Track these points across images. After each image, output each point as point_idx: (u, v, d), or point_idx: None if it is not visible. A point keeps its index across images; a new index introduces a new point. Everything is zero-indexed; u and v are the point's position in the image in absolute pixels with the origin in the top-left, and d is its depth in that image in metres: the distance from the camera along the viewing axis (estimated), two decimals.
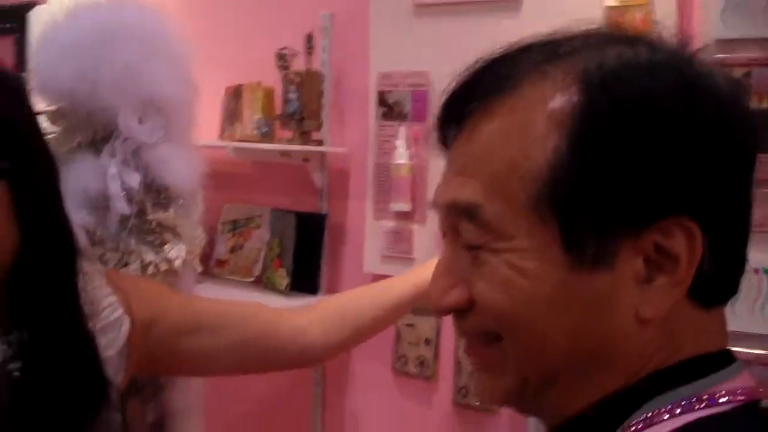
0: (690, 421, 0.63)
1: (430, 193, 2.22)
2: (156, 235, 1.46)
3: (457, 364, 2.26)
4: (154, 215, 1.46)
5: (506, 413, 2.19)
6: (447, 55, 2.12)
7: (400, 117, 2.30)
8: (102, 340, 1.18)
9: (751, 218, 0.68)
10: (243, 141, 2.47)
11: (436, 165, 2.22)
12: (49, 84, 1.42)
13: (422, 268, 1.56)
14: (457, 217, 0.68)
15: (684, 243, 0.63)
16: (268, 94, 2.51)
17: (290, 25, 2.49)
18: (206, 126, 2.67)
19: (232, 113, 2.55)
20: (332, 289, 2.50)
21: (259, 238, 2.64)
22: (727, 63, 1.80)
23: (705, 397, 0.64)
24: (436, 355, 2.32)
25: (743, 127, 0.67)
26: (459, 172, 0.69)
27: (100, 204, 1.42)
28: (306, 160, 2.46)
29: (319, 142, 2.42)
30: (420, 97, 2.27)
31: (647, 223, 0.63)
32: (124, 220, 1.44)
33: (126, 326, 1.22)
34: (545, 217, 0.64)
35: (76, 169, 1.41)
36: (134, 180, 1.43)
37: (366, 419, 2.50)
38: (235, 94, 2.55)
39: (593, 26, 0.70)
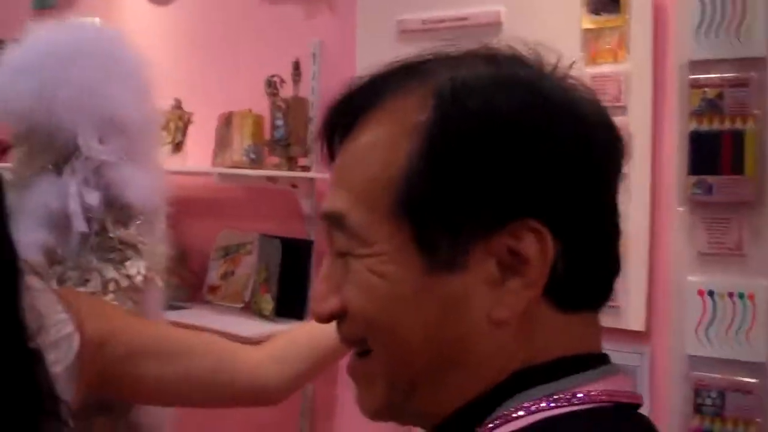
0: (540, 418, 0.64)
1: None
2: (117, 252, 1.44)
3: None
4: (115, 233, 1.44)
5: None
6: None
7: None
8: (50, 356, 1.16)
9: (616, 225, 0.70)
10: (233, 167, 2.49)
11: None
12: (7, 105, 1.41)
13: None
14: (330, 225, 0.71)
15: (534, 246, 0.65)
16: (258, 121, 2.53)
17: (281, 53, 2.52)
18: (200, 153, 2.71)
19: (223, 140, 2.57)
20: None
21: (250, 264, 2.65)
22: (701, 84, 1.81)
23: (562, 396, 0.65)
24: None
25: (599, 139, 0.69)
26: (334, 184, 0.72)
27: (61, 222, 1.41)
28: (294, 186, 2.47)
29: (306, 168, 2.43)
30: None
31: (496, 226, 0.65)
32: (84, 238, 1.43)
33: (76, 343, 1.20)
34: (401, 222, 0.66)
35: (38, 188, 1.41)
36: (94, 198, 1.42)
37: None
38: (227, 122, 2.57)
39: (461, 46, 0.74)
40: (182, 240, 2.88)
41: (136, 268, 1.45)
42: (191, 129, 2.72)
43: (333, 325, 1.45)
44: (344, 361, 2.28)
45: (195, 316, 2.52)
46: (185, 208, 2.91)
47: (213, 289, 2.75)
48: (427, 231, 0.66)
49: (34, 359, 1.13)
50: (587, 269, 0.68)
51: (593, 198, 0.68)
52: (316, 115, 2.45)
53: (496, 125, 0.66)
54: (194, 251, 2.80)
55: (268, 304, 2.45)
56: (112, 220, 1.44)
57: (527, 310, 0.66)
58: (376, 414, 0.74)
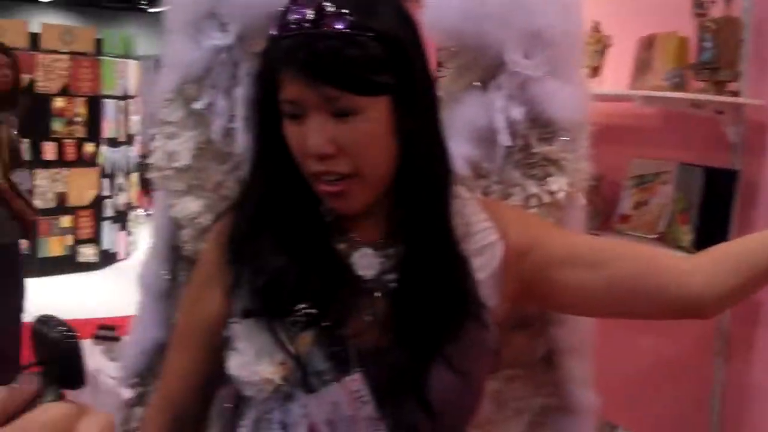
0: None
1: None
2: (540, 167, 1.42)
3: None
4: (539, 148, 1.41)
5: None
6: None
7: None
8: (476, 262, 1.18)
9: None
10: (653, 91, 2.41)
11: None
12: (437, 24, 1.41)
13: None
14: None
15: None
16: (682, 43, 2.40)
17: None
18: (616, 76, 2.67)
19: (643, 63, 2.50)
20: None
21: (666, 194, 2.57)
22: None
23: None
24: None
25: None
26: None
27: (486, 137, 1.41)
28: (720, 112, 2.33)
29: (735, 94, 2.28)
30: None
31: None
32: (508, 153, 1.42)
33: (500, 251, 1.21)
34: None
35: (464, 105, 1.42)
36: (519, 113, 1.40)
37: None
38: (648, 44, 2.48)
39: None
40: (596, 167, 2.87)
41: (558, 184, 1.42)
42: (608, 53, 2.68)
43: None
44: (765, 299, 2.14)
45: None
46: (599, 134, 2.92)
47: (624, 218, 2.71)
48: None
49: (461, 264, 1.17)
50: None
51: None
52: (749, 36, 2.29)
53: None
54: (607, 179, 2.78)
55: (686, 235, 2.36)
56: (536, 135, 1.42)
57: None
58: None
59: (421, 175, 1.13)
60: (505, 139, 1.40)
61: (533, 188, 1.42)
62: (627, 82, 2.59)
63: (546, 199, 1.42)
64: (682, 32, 2.44)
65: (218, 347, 1.17)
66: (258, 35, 1.30)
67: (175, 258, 1.45)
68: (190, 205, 1.40)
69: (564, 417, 1.49)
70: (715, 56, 2.23)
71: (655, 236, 2.53)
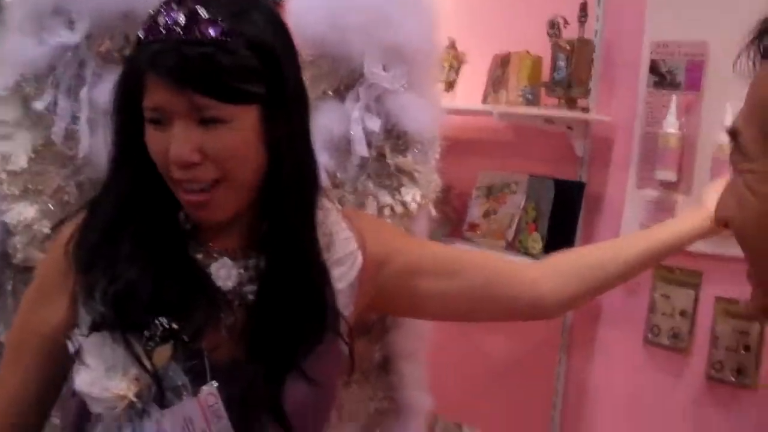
0: None
1: (698, 164, 2.11)
2: (393, 178, 1.43)
3: (714, 338, 2.11)
4: (393, 159, 1.42)
5: (763, 391, 2.02)
6: (727, 24, 1.97)
7: (672, 86, 2.17)
8: (335, 272, 1.16)
9: None
10: (509, 107, 2.43)
11: (706, 135, 2.11)
12: (299, 31, 1.37)
13: (682, 219, 1.45)
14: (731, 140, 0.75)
15: None
16: (536, 62, 2.45)
17: None
18: (469, 91, 2.68)
19: (497, 80, 2.52)
20: None
21: (515, 203, 2.60)
22: None
23: None
24: (692, 328, 2.18)
25: None
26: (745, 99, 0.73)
27: (342, 147, 1.41)
28: (569, 128, 2.38)
29: (585, 110, 2.33)
30: (695, 67, 2.12)
31: None
32: (363, 163, 1.42)
33: (359, 261, 1.19)
34: None
35: (320, 113, 1.39)
36: (375, 124, 1.40)
37: (611, 389, 2.39)
38: (503, 62, 2.51)
39: None
40: (446, 177, 2.88)
41: (411, 195, 1.43)
42: (463, 69, 2.69)
43: (622, 249, 1.39)
44: (606, 299, 2.22)
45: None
46: (452, 147, 2.93)
47: (473, 226, 2.72)
48: None
49: (322, 275, 1.14)
50: None
51: None
52: (599, 57, 2.34)
53: None
54: (456, 189, 2.79)
55: (536, 242, 2.39)
56: (390, 147, 1.42)
57: None
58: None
59: (289, 185, 1.09)
60: (361, 150, 1.40)
61: (387, 198, 1.42)
62: (480, 97, 2.60)
63: (399, 209, 1.42)
64: (534, 51, 2.47)
65: (60, 362, 1.09)
66: (107, 34, 1.23)
67: (2, 266, 1.36)
68: (25, 211, 1.31)
69: (396, 420, 1.51)
70: (569, 75, 2.26)
71: (504, 244, 2.55)
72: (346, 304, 1.18)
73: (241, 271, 1.11)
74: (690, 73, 2.14)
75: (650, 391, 2.27)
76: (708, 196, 1.35)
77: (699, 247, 2.11)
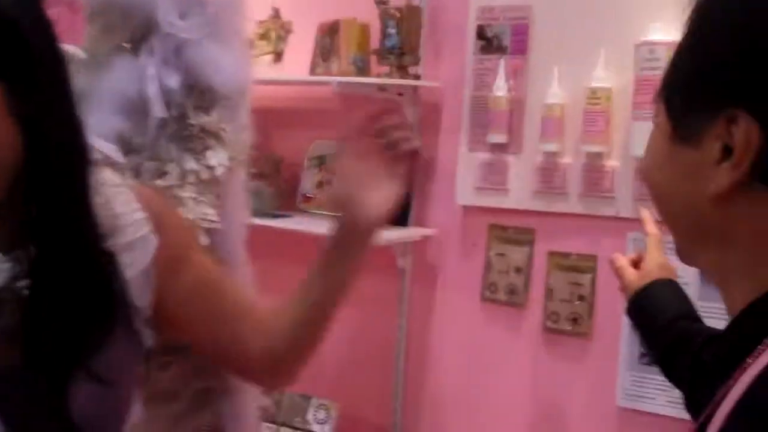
0: None
1: (528, 125, 2.18)
2: (197, 141, 1.29)
3: (548, 291, 2.21)
4: (196, 120, 1.29)
5: (597, 338, 2.14)
6: None
7: (499, 50, 2.23)
8: (125, 259, 1.04)
9: None
10: (340, 76, 2.40)
11: (534, 97, 2.18)
12: None
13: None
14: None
15: (742, 133, 0.71)
16: (364, 30, 2.44)
17: None
18: (298, 61, 2.63)
19: (327, 49, 2.48)
20: (422, 222, 2.45)
21: None
22: None
23: None
24: (527, 283, 2.27)
25: None
26: None
27: (138, 108, 1.26)
28: (400, 94, 2.40)
29: (417, 77, 2.35)
30: (520, 31, 2.19)
31: (717, 110, 0.73)
32: (162, 125, 1.28)
33: (153, 246, 1.07)
34: (664, 101, 0.80)
35: (112, 71, 1.26)
36: (174, 80, 1.26)
37: (452, 347, 2.44)
38: (331, 31, 2.48)
39: None
40: (277, 149, 2.83)
41: (218, 158, 1.31)
42: (290, 38, 2.63)
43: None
44: (442, 261, 2.23)
45: (300, 224, 2.47)
46: (281, 118, 2.87)
47: (307, 198, 2.69)
48: (672, 106, 0.79)
49: (106, 263, 1.02)
50: None
51: None
52: (425, 24, 2.36)
53: (722, 24, 0.75)
54: (288, 160, 2.75)
55: None
56: (192, 105, 1.29)
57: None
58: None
59: (51, 166, 0.97)
60: (158, 110, 1.26)
61: (191, 163, 1.29)
62: (308, 67, 2.55)
63: (204, 175, 1.30)
64: (361, 19, 2.45)
65: None
66: None
67: None
68: None
69: (228, 398, 1.41)
70: (399, 42, 2.27)
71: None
72: (139, 292, 1.06)
73: (12, 264, 0.97)
74: (515, 37, 2.20)
75: (490, 346, 2.34)
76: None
77: (529, 204, 2.20)
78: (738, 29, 0.74)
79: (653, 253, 1.48)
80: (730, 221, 0.75)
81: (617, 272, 1.46)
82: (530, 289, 2.26)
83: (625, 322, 1.75)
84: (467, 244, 2.39)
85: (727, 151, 0.72)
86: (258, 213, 2.60)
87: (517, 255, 2.28)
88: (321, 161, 2.69)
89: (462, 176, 2.33)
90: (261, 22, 2.66)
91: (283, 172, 2.76)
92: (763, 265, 0.74)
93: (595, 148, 2.06)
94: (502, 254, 2.30)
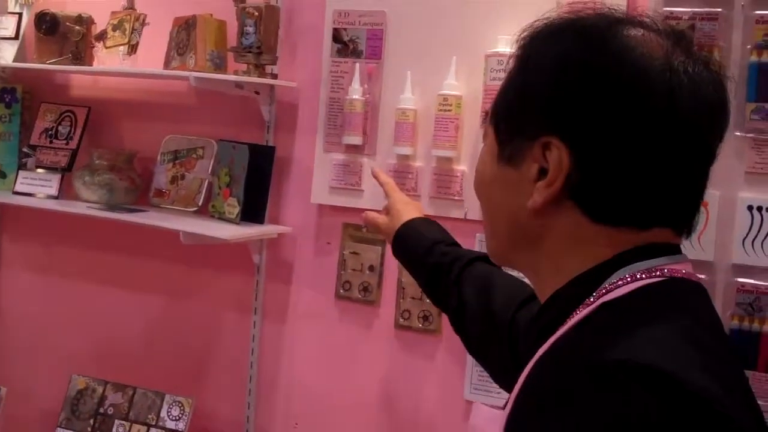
0: (640, 285, 0.81)
1: (382, 128, 2.18)
2: None
3: (400, 290, 2.23)
4: None
5: (446, 334, 2.18)
6: None
7: (355, 54, 2.22)
8: None
9: (639, 150, 0.82)
10: (197, 72, 2.32)
11: (388, 102, 2.19)
12: None
13: None
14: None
15: (555, 158, 0.83)
16: (221, 26, 2.38)
17: None
18: (150, 55, 2.52)
19: (183, 44, 2.39)
20: (276, 220, 2.42)
21: (204, 168, 2.52)
22: (674, 16, 1.81)
23: (654, 271, 0.82)
24: (380, 281, 2.28)
25: (650, 90, 0.81)
26: None
27: None
28: (257, 92, 2.35)
29: (275, 76, 2.31)
30: (375, 36, 2.20)
31: (534, 137, 0.85)
32: None
33: None
34: (493, 127, 0.94)
35: None
36: None
37: (306, 345, 2.43)
38: (187, 26, 2.39)
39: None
40: (131, 143, 2.72)
41: None
42: (144, 31, 2.52)
43: None
44: (297, 260, 2.21)
45: (156, 219, 2.38)
46: (134, 112, 2.75)
47: (160, 193, 2.60)
48: (500, 132, 0.91)
49: None
50: (613, 188, 0.83)
51: (615, 128, 0.81)
52: (282, 24, 2.32)
53: (542, 63, 0.86)
54: (141, 155, 2.65)
55: (233, 207, 2.34)
56: None
57: (568, 226, 0.85)
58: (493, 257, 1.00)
59: None
60: None
61: None
62: (162, 60, 2.45)
63: None
64: (217, 16, 2.39)
65: None
66: None
67: None
68: None
69: None
70: (258, 41, 2.22)
71: (195, 209, 2.47)
72: None
73: None
74: (371, 41, 2.20)
75: (344, 344, 2.35)
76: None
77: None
78: (551, 68, 0.85)
79: (394, 195, 1.70)
80: (544, 229, 0.87)
81: (369, 223, 1.70)
82: (383, 288, 2.27)
83: None
84: (322, 243, 2.38)
85: (542, 172, 0.85)
86: (111, 207, 2.50)
87: (370, 254, 2.29)
88: (175, 156, 2.60)
89: (318, 176, 2.32)
90: (114, 13, 2.54)
91: (137, 167, 2.65)
92: (566, 262, 0.86)
93: (445, 153, 2.09)
94: (356, 253, 2.30)
